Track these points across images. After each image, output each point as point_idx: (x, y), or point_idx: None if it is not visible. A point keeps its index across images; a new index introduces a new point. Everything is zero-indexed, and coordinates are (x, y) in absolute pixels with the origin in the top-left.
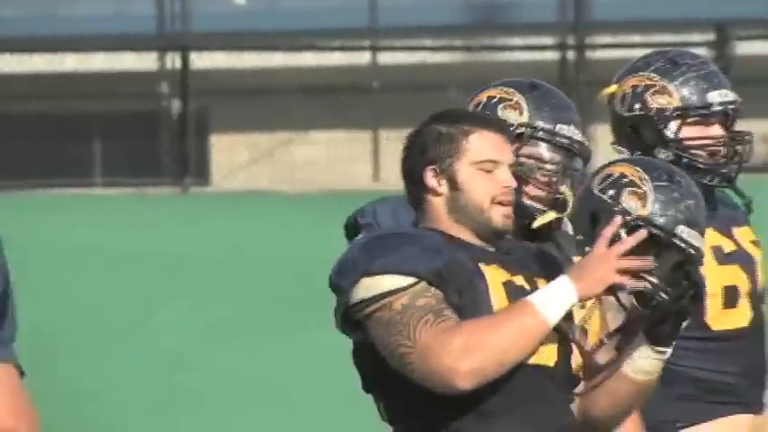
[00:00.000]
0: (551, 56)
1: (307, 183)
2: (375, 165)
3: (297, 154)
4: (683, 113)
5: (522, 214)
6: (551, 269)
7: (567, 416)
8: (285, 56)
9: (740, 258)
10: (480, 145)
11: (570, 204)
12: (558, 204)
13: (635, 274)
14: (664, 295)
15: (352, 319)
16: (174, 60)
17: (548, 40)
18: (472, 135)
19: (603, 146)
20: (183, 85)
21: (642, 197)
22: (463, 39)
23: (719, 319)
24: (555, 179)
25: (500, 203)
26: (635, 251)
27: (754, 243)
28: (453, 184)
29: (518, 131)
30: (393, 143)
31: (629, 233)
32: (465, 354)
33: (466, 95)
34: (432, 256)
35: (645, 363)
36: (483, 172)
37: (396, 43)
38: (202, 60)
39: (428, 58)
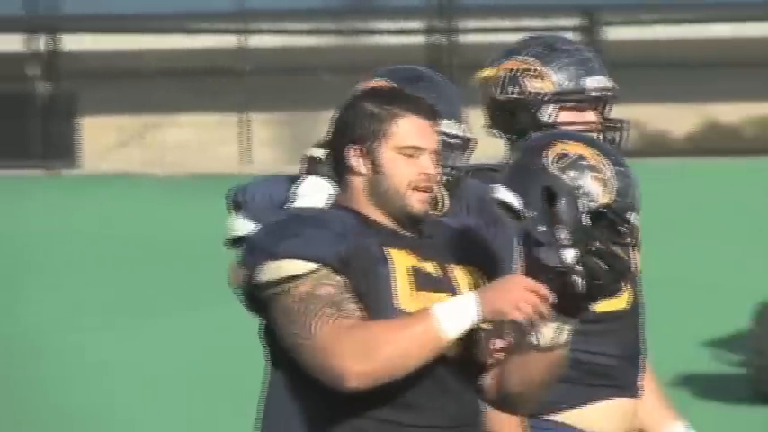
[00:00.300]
0: (420, 40)
1: (176, 165)
2: (244, 147)
3: (167, 137)
4: (559, 98)
5: None
6: (475, 254)
7: (472, 404)
8: (154, 38)
9: None
10: (407, 130)
11: (445, 204)
12: (431, 203)
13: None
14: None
15: (257, 297)
16: (42, 42)
17: (417, 25)
18: (401, 119)
19: (476, 129)
20: (51, 68)
21: (604, 183)
22: (333, 22)
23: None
24: None
25: (417, 189)
26: (591, 233)
27: None
28: (375, 167)
29: None
30: (261, 126)
31: (591, 219)
32: (358, 356)
33: (335, 78)
34: (336, 240)
35: (548, 331)
36: (405, 157)
37: (265, 26)
38: (71, 43)
39: (298, 42)
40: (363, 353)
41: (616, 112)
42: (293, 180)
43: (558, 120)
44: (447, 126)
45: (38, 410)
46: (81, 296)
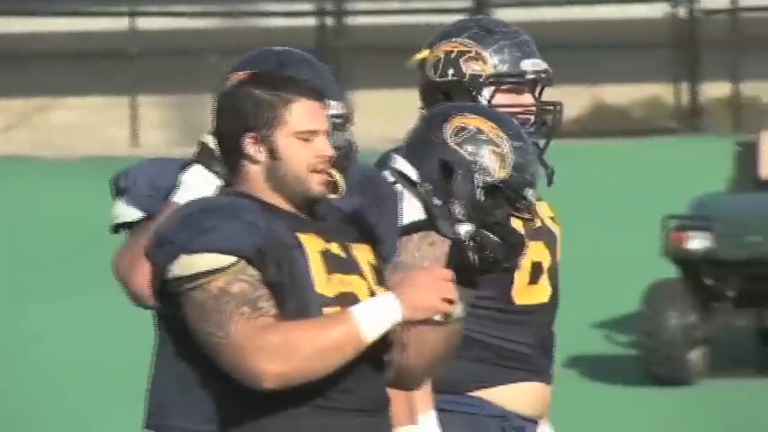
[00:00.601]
0: (309, 22)
1: (65, 148)
2: (133, 130)
3: (55, 119)
4: (497, 80)
5: None
6: (365, 232)
7: (383, 388)
8: (43, 21)
9: (545, 234)
10: (300, 114)
11: (342, 186)
12: (329, 187)
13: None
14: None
15: (166, 291)
16: None
17: (306, 6)
18: (293, 104)
19: (364, 113)
20: None
21: (502, 158)
22: (221, 5)
23: (523, 294)
24: None
25: (316, 171)
26: (485, 207)
27: (552, 219)
28: (272, 154)
29: None
30: (150, 108)
31: (486, 194)
32: (275, 358)
33: (224, 61)
34: (250, 230)
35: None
36: (301, 141)
37: (154, 8)
38: None
39: (186, 24)
40: (281, 354)
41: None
42: (180, 166)
43: (495, 102)
44: (332, 107)
45: None
46: None
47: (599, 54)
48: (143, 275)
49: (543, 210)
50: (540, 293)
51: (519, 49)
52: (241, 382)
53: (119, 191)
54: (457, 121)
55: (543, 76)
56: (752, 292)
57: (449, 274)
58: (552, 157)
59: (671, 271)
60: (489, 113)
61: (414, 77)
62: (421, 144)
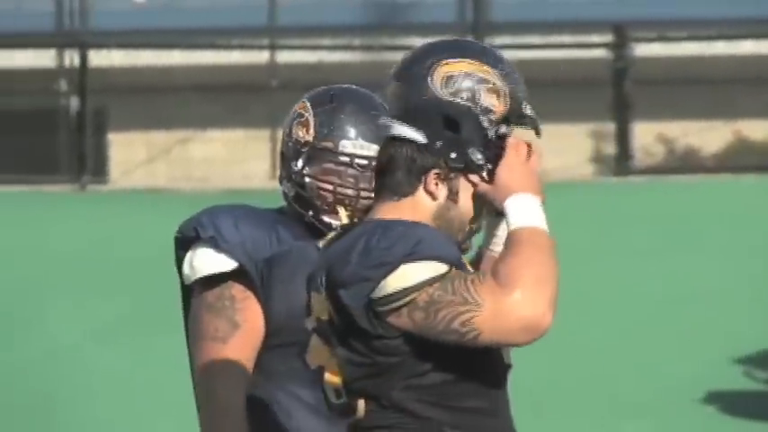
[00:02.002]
0: None
1: (203, 181)
2: (272, 163)
3: (194, 152)
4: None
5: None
6: None
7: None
8: (184, 54)
9: None
10: None
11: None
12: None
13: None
14: None
15: (374, 311)
16: (72, 58)
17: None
18: None
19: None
20: (81, 83)
21: (497, 92)
22: (362, 38)
23: None
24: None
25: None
26: (500, 143)
27: None
28: (452, 195)
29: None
30: None
31: (498, 126)
32: (534, 294)
33: None
34: (453, 244)
35: (505, 232)
36: (470, 191)
37: (294, 42)
38: (101, 58)
39: (326, 57)
40: (537, 287)
41: (645, 127)
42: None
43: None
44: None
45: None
46: (106, 313)
47: (738, 89)
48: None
49: None
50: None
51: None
52: (516, 341)
53: (189, 241)
54: (441, 71)
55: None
56: None
57: (517, 141)
58: (694, 191)
59: None
60: (464, 50)
61: (553, 110)
62: (414, 108)
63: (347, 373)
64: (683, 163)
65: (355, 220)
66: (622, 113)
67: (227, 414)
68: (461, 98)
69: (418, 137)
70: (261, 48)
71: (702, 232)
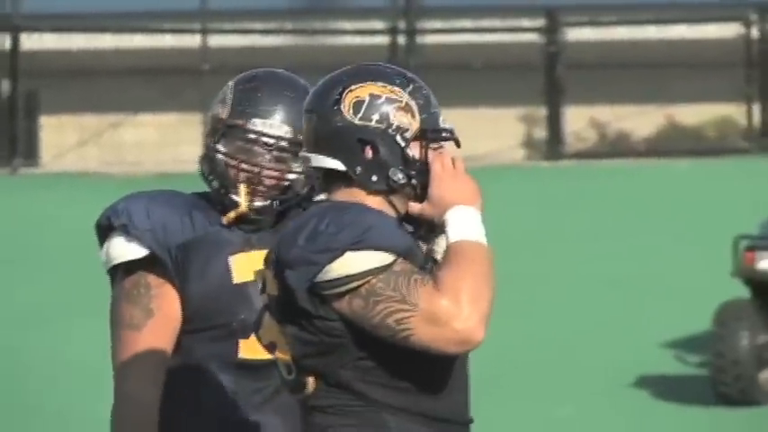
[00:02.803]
0: (382, 40)
1: (135, 165)
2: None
3: (126, 135)
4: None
5: None
6: None
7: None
8: (116, 37)
9: None
10: None
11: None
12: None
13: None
14: None
15: (317, 293)
16: (3, 41)
17: (378, 25)
18: None
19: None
20: (12, 66)
21: (408, 109)
22: (294, 22)
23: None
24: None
25: None
26: (418, 159)
27: None
28: None
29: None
30: None
31: (423, 142)
32: (473, 306)
33: None
34: (403, 233)
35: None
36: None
37: (226, 26)
38: (32, 41)
39: (258, 42)
40: (474, 300)
41: (576, 111)
42: (187, 201)
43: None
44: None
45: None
46: (35, 295)
47: (671, 74)
48: None
49: None
50: None
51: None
52: (445, 351)
53: (112, 228)
54: (350, 98)
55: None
56: None
57: (445, 155)
58: (625, 176)
59: (742, 291)
60: (370, 74)
61: (484, 95)
62: (329, 137)
63: (295, 350)
64: (615, 148)
65: (253, 200)
66: (554, 98)
67: (132, 402)
68: (373, 121)
69: (337, 165)
70: (193, 32)
71: (634, 217)
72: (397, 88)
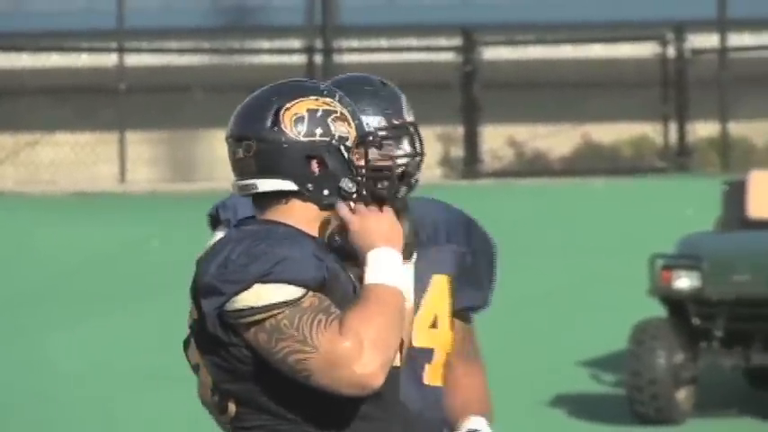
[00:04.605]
0: (299, 59)
1: (51, 184)
2: (121, 166)
3: (42, 155)
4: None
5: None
6: None
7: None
8: (31, 57)
9: None
10: None
11: None
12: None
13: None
14: None
15: (225, 321)
16: None
17: (295, 44)
18: None
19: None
20: None
21: (344, 118)
22: (210, 42)
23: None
24: None
25: None
26: (362, 164)
27: None
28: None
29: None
30: (138, 144)
31: (362, 148)
32: (374, 353)
33: (211, 97)
34: (320, 264)
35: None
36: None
37: (142, 45)
38: None
39: (175, 61)
40: (377, 346)
41: (493, 130)
42: None
43: None
44: None
45: None
46: None
47: (587, 93)
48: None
49: None
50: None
51: None
52: (341, 392)
53: (216, 221)
54: (288, 116)
55: None
56: (739, 332)
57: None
58: (541, 195)
59: (658, 310)
60: (299, 89)
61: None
62: (274, 158)
63: (212, 374)
64: (532, 166)
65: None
66: (471, 117)
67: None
68: (317, 135)
69: (289, 186)
70: (109, 51)
71: (550, 236)
72: (328, 99)
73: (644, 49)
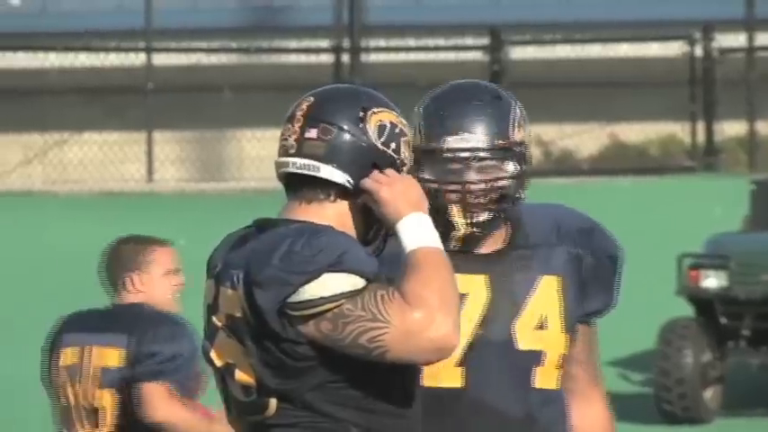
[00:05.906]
0: (326, 58)
1: (79, 183)
2: (148, 166)
3: (70, 154)
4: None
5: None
6: None
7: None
8: (59, 56)
9: None
10: None
11: None
12: None
13: None
14: None
15: (286, 314)
16: None
17: (323, 43)
18: None
19: None
20: None
21: (409, 144)
22: (238, 41)
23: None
24: None
25: None
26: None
27: None
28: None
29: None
30: (166, 144)
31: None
32: (443, 315)
33: (239, 97)
34: (372, 257)
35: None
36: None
37: (170, 44)
38: None
39: (202, 60)
40: (443, 307)
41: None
42: None
43: None
44: None
45: None
46: None
47: (614, 92)
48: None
49: None
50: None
51: None
52: (425, 361)
53: None
54: (374, 120)
55: None
56: (766, 331)
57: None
58: (568, 194)
59: (686, 309)
60: (382, 100)
61: None
62: (350, 152)
63: (260, 372)
64: (559, 166)
65: (470, 216)
66: None
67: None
68: (390, 149)
69: (345, 182)
70: (137, 50)
71: None
72: (403, 119)
73: (671, 49)
